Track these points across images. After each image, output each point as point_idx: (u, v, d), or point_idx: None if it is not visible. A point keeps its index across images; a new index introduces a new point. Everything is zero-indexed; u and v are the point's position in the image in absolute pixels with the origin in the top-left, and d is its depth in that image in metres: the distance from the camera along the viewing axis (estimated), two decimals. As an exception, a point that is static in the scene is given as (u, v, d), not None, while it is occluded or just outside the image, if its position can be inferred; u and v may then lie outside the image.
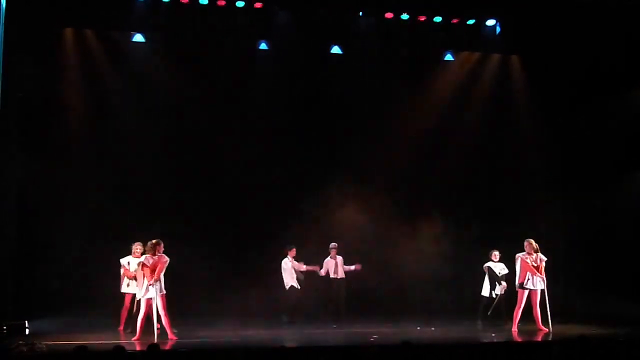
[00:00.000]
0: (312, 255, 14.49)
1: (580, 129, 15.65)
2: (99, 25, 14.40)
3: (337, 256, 14.39)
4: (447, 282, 15.52)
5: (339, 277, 14.29)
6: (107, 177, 14.39)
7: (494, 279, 13.59)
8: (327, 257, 14.42)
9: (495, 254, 13.71)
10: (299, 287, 14.07)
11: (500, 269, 13.60)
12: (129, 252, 12.67)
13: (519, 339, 11.91)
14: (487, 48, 16.04)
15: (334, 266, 14.32)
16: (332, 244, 14.42)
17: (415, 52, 15.89)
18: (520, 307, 12.53)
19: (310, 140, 15.50)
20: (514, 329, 12.50)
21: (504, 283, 13.47)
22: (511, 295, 13.31)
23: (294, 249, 14.21)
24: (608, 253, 15.07)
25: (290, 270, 14.10)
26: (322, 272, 14.28)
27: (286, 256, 14.17)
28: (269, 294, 14.16)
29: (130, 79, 14.75)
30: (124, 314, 12.45)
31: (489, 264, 13.70)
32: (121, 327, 12.35)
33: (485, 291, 13.72)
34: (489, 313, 13.43)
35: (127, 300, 12.45)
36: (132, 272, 12.33)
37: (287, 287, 14.06)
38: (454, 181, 15.96)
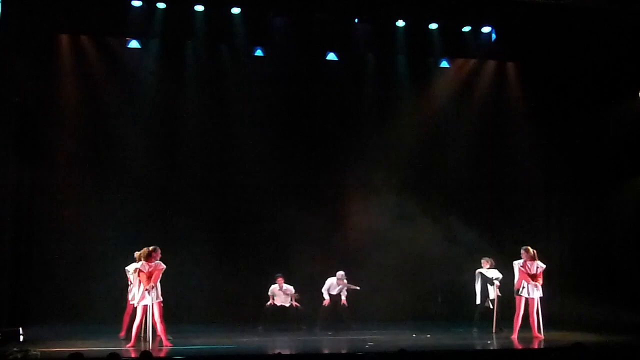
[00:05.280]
0: (308, 260, 14.47)
1: (577, 136, 15.64)
2: (94, 31, 14.41)
3: (288, 286, 14.07)
4: (443, 288, 15.53)
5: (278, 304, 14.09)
6: (103, 183, 14.38)
7: (487, 282, 13.58)
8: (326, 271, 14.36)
9: (485, 262, 13.71)
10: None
11: (493, 275, 13.60)
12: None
13: (519, 347, 11.89)
14: (482, 55, 16.05)
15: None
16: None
17: (411, 59, 15.91)
18: (518, 314, 12.50)
19: (306, 146, 15.51)
20: (514, 336, 12.47)
21: (496, 282, 13.47)
22: (505, 303, 13.31)
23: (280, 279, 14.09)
24: (606, 260, 15.07)
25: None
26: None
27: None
28: (265, 301, 14.10)
29: (126, 85, 14.75)
30: (126, 320, 12.30)
31: (481, 270, 13.71)
32: (122, 334, 12.25)
33: (479, 299, 13.73)
34: (495, 326, 13.38)
35: (131, 307, 12.14)
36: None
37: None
38: (450, 188, 15.95)
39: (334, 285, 14.11)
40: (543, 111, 15.99)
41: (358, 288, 14.18)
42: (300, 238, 14.68)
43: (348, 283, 14.12)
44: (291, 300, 14.03)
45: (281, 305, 13.98)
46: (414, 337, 12.71)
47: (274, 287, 14.06)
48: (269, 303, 13.98)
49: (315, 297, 14.12)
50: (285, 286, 14.05)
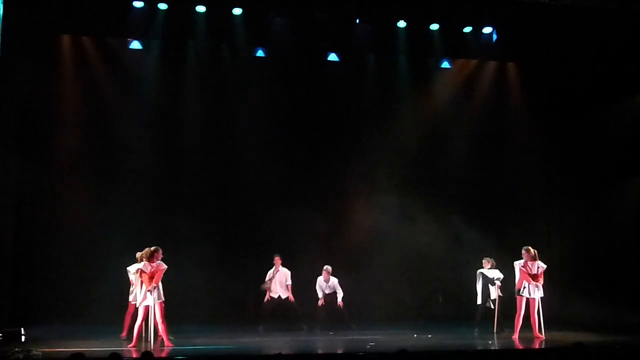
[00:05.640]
0: (309, 261, 14.49)
1: (577, 136, 15.67)
2: (96, 32, 14.43)
3: (283, 268, 14.00)
4: (444, 288, 15.54)
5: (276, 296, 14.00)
6: (104, 184, 14.40)
7: (488, 282, 13.60)
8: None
9: (486, 262, 13.72)
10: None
11: (494, 275, 13.61)
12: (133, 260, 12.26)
13: (520, 347, 11.90)
14: (483, 55, 16.07)
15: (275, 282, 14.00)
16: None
17: (412, 60, 15.92)
18: (519, 314, 12.49)
19: (307, 146, 15.51)
20: (515, 336, 12.47)
21: (498, 282, 13.47)
22: (506, 303, 13.31)
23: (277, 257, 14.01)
24: (606, 260, 15.08)
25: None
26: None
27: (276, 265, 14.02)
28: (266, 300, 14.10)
29: (127, 86, 14.77)
30: (127, 320, 12.26)
31: (482, 270, 13.73)
32: (124, 334, 12.24)
33: (480, 299, 13.75)
34: (496, 326, 13.39)
35: (132, 307, 12.11)
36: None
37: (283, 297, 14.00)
38: (451, 188, 15.96)
39: (321, 282, 14.03)
40: (543, 111, 16.02)
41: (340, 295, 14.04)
42: (302, 238, 14.69)
43: (339, 283, 14.03)
44: (287, 291, 13.92)
45: (278, 296, 13.87)
46: (415, 337, 12.71)
47: (270, 272, 13.91)
48: (266, 299, 13.94)
49: (316, 296, 14.10)
50: (282, 268, 13.93)
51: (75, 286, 13.83)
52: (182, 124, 15.05)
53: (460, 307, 15.00)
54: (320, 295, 14.02)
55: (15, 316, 12.73)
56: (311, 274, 14.24)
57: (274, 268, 13.99)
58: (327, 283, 14.01)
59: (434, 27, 15.29)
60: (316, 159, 15.52)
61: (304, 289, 14.22)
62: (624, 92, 14.98)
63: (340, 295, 13.99)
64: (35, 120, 14.12)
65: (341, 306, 13.97)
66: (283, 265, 14.03)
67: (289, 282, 13.95)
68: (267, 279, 13.96)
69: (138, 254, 11.79)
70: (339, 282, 14.04)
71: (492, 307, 13.56)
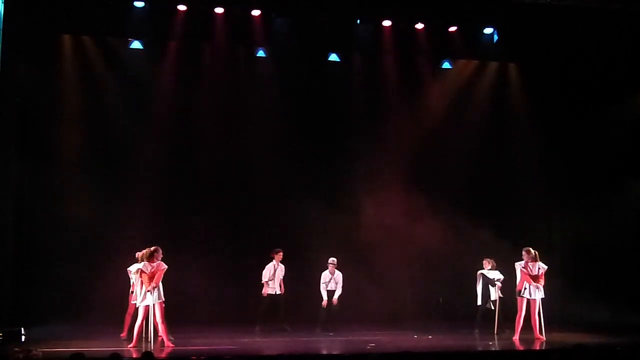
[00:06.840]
0: (310, 261, 14.49)
1: (578, 136, 15.67)
2: (96, 31, 14.42)
3: (281, 264, 13.92)
4: (445, 289, 15.52)
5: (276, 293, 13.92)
6: (104, 183, 14.38)
7: (488, 283, 13.59)
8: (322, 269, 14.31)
9: (486, 262, 13.71)
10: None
11: (494, 276, 13.60)
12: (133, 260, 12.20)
13: (521, 348, 11.90)
14: (484, 56, 16.06)
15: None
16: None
17: (413, 60, 15.91)
18: (520, 315, 12.48)
19: (307, 147, 15.49)
20: (516, 337, 12.46)
21: (498, 283, 13.47)
22: (507, 304, 13.30)
23: (281, 253, 13.95)
24: (607, 260, 15.08)
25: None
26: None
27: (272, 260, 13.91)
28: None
29: (127, 86, 14.77)
30: (128, 320, 12.25)
31: (482, 271, 13.72)
32: (124, 334, 12.23)
33: (480, 300, 13.74)
34: (497, 327, 13.39)
35: (133, 307, 12.08)
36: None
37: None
38: (452, 189, 15.93)
39: (326, 276, 13.94)
40: (544, 111, 16.03)
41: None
42: (303, 238, 14.72)
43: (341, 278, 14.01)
44: (280, 287, 13.85)
45: (275, 292, 13.76)
46: (415, 338, 12.71)
47: (271, 265, 13.77)
48: (264, 292, 13.78)
49: (319, 296, 14.07)
50: (280, 264, 13.86)
51: (75, 286, 13.82)
52: (183, 123, 15.04)
53: (461, 308, 14.98)
54: (324, 295, 13.90)
55: (15, 316, 12.72)
56: (313, 274, 14.24)
57: (274, 262, 13.87)
58: (332, 275, 13.94)
59: (435, 27, 15.26)
60: (317, 158, 15.49)
61: (306, 288, 14.24)
62: (624, 92, 14.98)
63: (338, 292, 13.94)
64: (36, 120, 14.11)
65: (335, 303, 13.92)
66: (287, 262, 14.02)
67: (282, 275, 13.90)
68: (268, 277, 13.80)
69: (138, 254, 11.78)
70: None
71: (493, 308, 13.56)
